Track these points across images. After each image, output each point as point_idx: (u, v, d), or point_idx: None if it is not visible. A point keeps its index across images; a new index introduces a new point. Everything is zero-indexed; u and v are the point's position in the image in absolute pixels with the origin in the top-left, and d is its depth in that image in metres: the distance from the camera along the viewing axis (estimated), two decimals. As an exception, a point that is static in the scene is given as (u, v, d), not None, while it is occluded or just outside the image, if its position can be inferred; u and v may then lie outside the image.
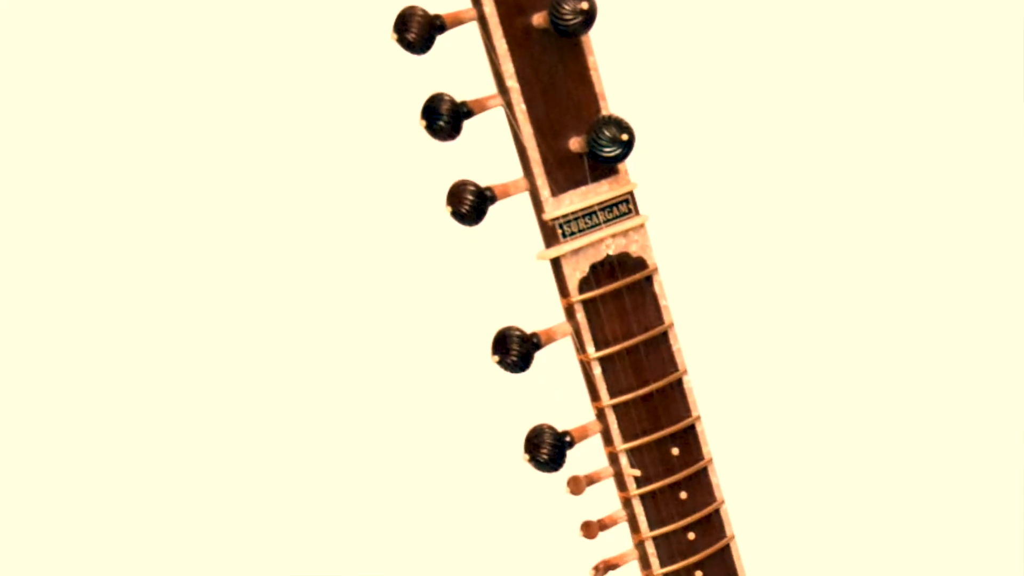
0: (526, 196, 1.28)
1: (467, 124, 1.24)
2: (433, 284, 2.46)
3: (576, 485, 1.32)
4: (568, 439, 1.30)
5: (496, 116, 1.26)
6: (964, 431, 2.66)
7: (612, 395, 1.31)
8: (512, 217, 1.29)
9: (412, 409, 2.59)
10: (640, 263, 1.32)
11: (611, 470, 1.34)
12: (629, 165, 1.30)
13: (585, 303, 1.29)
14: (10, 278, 2.60)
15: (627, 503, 1.34)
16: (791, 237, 2.62)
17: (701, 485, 1.36)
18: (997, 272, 2.67)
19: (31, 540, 2.64)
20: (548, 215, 1.27)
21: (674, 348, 1.34)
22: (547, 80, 1.26)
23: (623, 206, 1.30)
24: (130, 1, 2.49)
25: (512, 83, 1.25)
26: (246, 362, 2.63)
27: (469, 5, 1.24)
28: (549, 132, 1.26)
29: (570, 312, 1.30)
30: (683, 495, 1.35)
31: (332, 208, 2.54)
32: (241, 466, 2.65)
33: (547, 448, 1.29)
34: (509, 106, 1.26)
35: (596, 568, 1.35)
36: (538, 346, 1.28)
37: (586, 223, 1.29)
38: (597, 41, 1.28)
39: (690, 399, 1.35)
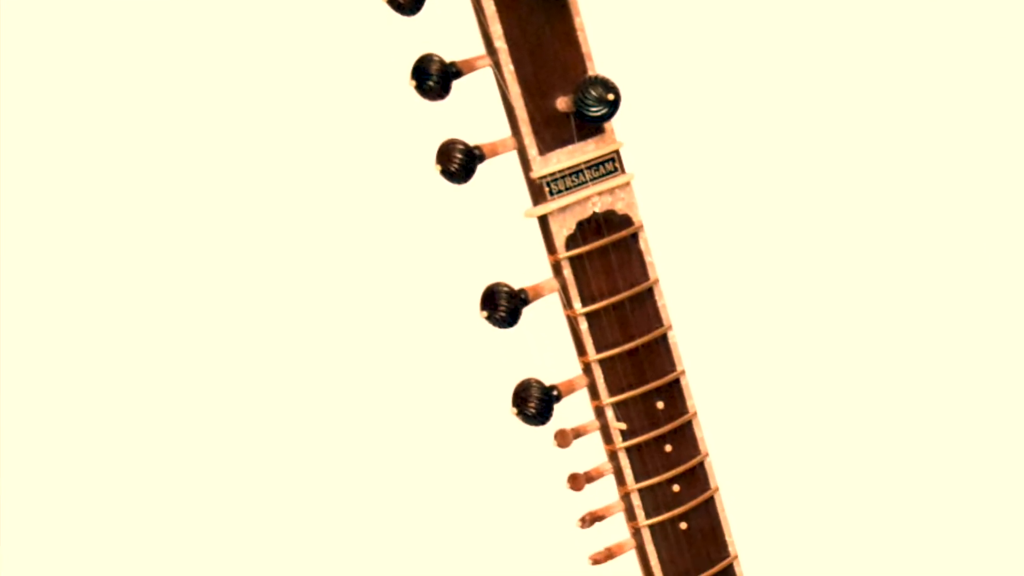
0: (514, 155, 1.30)
1: (456, 84, 1.26)
2: (422, 241, 2.47)
3: (563, 438, 1.34)
4: (555, 393, 1.32)
5: (484, 76, 1.28)
6: (952, 420, 2.68)
7: (598, 350, 1.33)
8: (500, 176, 1.31)
9: (402, 369, 2.60)
10: (626, 220, 1.33)
11: (597, 424, 1.36)
12: (615, 124, 1.32)
13: (572, 260, 1.31)
14: (10, 278, 2.60)
15: (613, 456, 1.37)
16: (776, 198, 2.62)
17: (686, 438, 1.38)
18: (995, 272, 2.68)
19: (31, 540, 2.65)
20: (536, 173, 1.29)
21: (659, 304, 1.36)
22: (534, 41, 1.28)
23: (609, 164, 1.32)
24: (130, 1, 2.49)
25: (500, 44, 1.26)
26: (235, 344, 2.63)
27: (458, -33, 1.26)
28: (536, 92, 1.28)
29: (557, 268, 1.32)
30: (668, 448, 1.37)
31: (320, 162, 2.54)
32: (239, 461, 2.65)
33: (534, 402, 1.30)
34: (497, 66, 1.27)
35: (583, 520, 1.37)
36: (526, 302, 1.30)
37: (573, 181, 1.31)
38: (584, 2, 1.30)
39: (675, 354, 1.37)
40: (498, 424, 2.36)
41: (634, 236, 1.34)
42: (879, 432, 2.67)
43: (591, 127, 1.30)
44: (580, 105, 1.27)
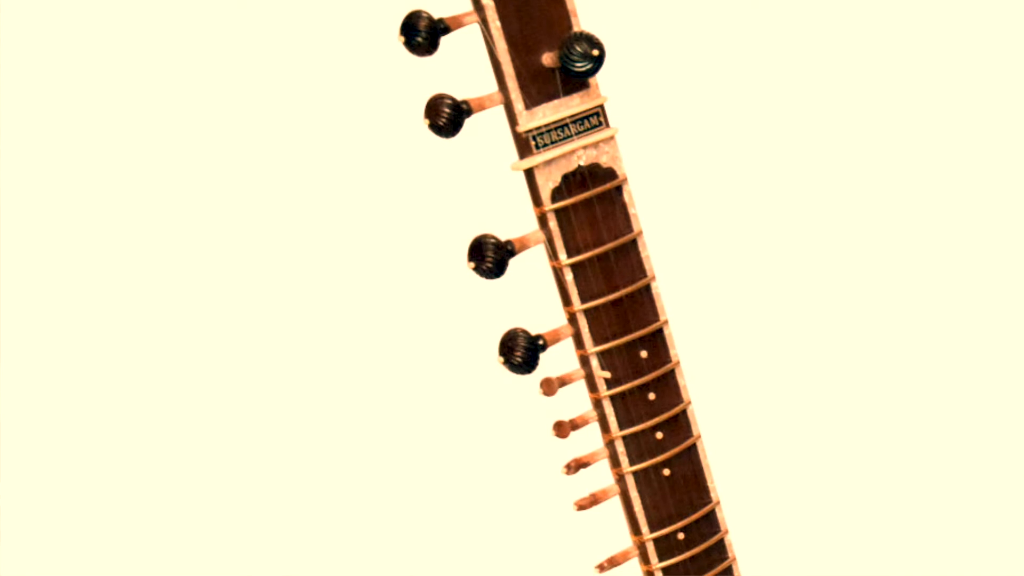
0: (501, 110, 1.32)
1: (443, 41, 1.28)
2: (410, 193, 2.48)
3: (549, 387, 1.36)
4: (541, 342, 1.34)
5: (472, 33, 1.30)
6: (940, 410, 2.69)
7: (583, 300, 1.36)
8: (487, 130, 1.33)
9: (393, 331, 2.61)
10: (610, 173, 1.36)
11: (582, 372, 1.38)
12: (600, 80, 1.34)
13: (557, 212, 1.34)
14: (10, 278, 2.60)
15: (598, 404, 1.39)
16: (760, 158, 2.63)
17: (669, 386, 1.41)
18: (991, 271, 2.69)
19: (31, 540, 2.65)
20: (522, 127, 1.32)
21: (643, 255, 1.38)
22: (521, -3, 1.30)
23: (594, 119, 1.34)
24: (130, 1, 2.49)
25: (487, 0, 1.28)
26: (230, 338, 2.64)
27: (446, -74, 1.28)
28: (523, 48, 1.30)
29: (543, 221, 1.34)
30: (651, 396, 1.40)
31: (308, 117, 2.54)
32: (239, 461, 2.66)
33: (521, 351, 1.33)
34: (484, 23, 1.29)
35: (568, 466, 1.39)
36: (512, 253, 1.32)
37: (558, 135, 1.33)
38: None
39: (658, 304, 1.39)
40: (491, 404, 2.41)
41: (618, 189, 1.37)
42: (871, 419, 2.68)
43: (576, 82, 1.33)
44: (565, 61, 1.29)
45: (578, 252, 1.35)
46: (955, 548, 2.62)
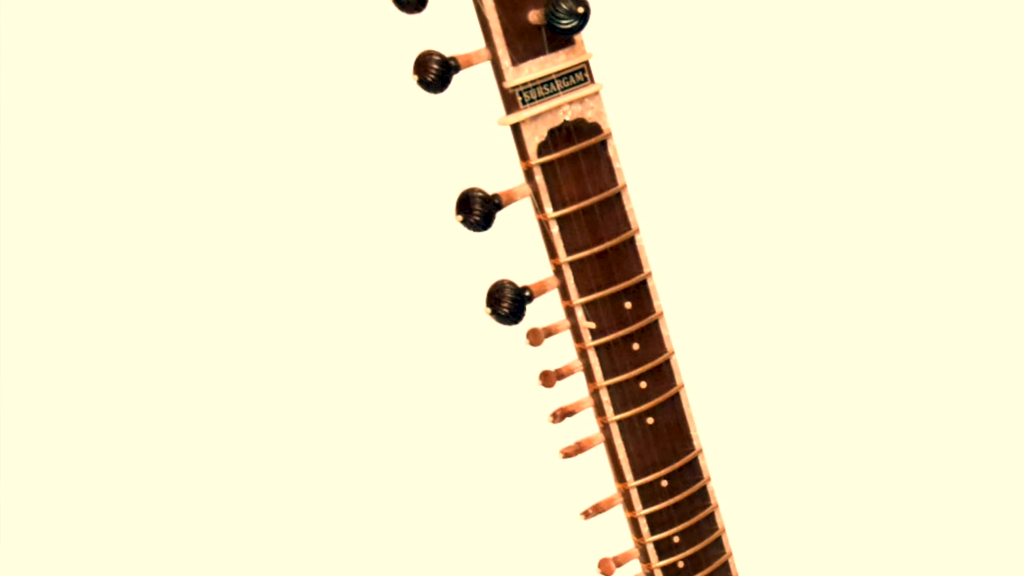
0: (488, 66, 1.34)
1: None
2: (399, 148, 2.49)
3: (535, 337, 1.39)
4: (527, 294, 1.37)
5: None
6: (931, 403, 2.72)
7: (569, 252, 1.38)
8: (474, 86, 1.35)
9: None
10: (595, 128, 1.38)
11: (568, 323, 1.41)
12: (585, 36, 1.36)
13: (543, 166, 1.36)
14: (10, 278, 2.61)
15: (583, 354, 1.42)
16: (743, 112, 2.64)
17: (652, 337, 1.43)
18: (992, 271, 2.71)
19: (31, 540, 2.67)
20: (509, 83, 1.34)
21: (627, 208, 1.40)
22: (507, -45, 1.32)
23: (579, 75, 1.36)
24: (130, 1, 2.49)
25: (474, -42, 1.31)
26: (226, 334, 2.66)
27: None
28: (509, 5, 1.32)
29: (529, 174, 1.37)
30: (635, 346, 1.42)
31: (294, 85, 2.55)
32: (238, 460, 2.68)
33: (508, 302, 1.35)
34: (472, -20, 1.32)
35: (554, 415, 1.42)
36: (499, 206, 1.34)
37: (544, 91, 1.35)
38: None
39: (642, 256, 1.41)
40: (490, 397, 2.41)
41: (603, 143, 1.39)
42: (866, 414, 2.71)
43: (562, 39, 1.35)
44: (551, 18, 1.31)
45: (564, 205, 1.37)
46: (940, 529, 2.66)
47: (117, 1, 2.50)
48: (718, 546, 1.51)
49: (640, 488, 1.45)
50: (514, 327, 1.37)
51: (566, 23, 1.31)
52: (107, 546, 2.68)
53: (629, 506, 1.46)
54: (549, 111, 1.36)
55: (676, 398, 1.46)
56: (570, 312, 1.40)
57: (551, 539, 2.49)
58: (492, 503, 2.63)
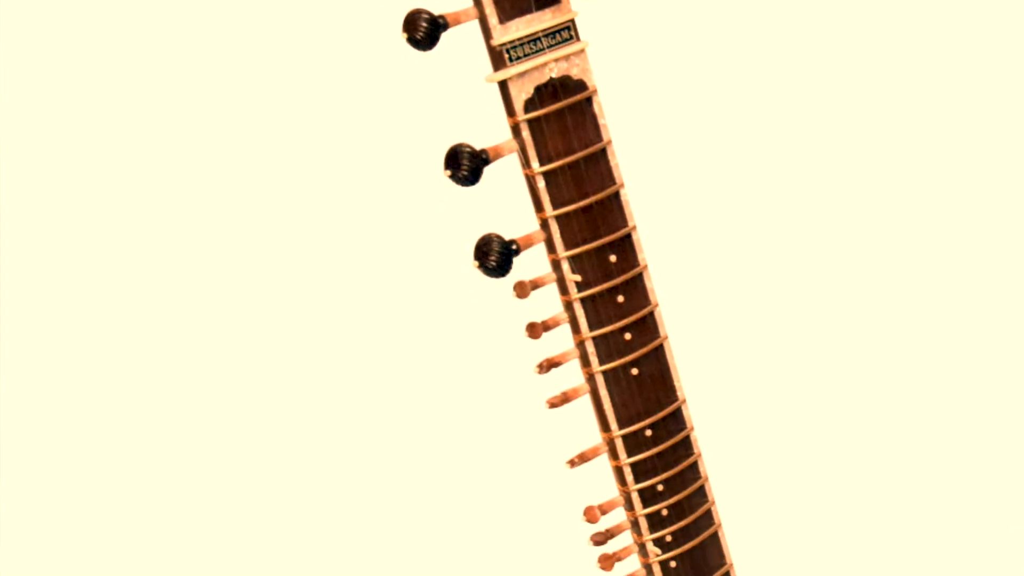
0: (476, 24, 1.37)
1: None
2: (388, 103, 2.50)
3: (522, 289, 1.41)
4: (514, 247, 1.39)
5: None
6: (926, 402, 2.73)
7: (555, 207, 1.41)
8: (462, 44, 1.37)
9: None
10: (581, 85, 1.41)
11: (554, 276, 1.43)
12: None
13: (530, 122, 1.39)
14: (10, 278, 2.61)
15: (568, 306, 1.44)
16: (727, 73, 2.66)
17: (637, 289, 1.46)
18: (991, 271, 2.71)
19: (31, 540, 2.68)
20: (496, 41, 1.36)
21: (612, 163, 1.43)
22: (494, -85, 1.34)
23: (565, 32, 1.39)
24: (130, 1, 2.50)
25: (462, -82, 1.33)
26: (225, 333, 2.66)
27: None
28: (496, -36, 1.35)
29: (516, 130, 1.39)
30: (620, 299, 1.45)
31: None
32: (239, 460, 2.69)
33: (495, 255, 1.38)
34: (459, -61, 1.34)
35: (540, 366, 1.44)
36: (487, 161, 1.37)
37: (531, 48, 1.38)
38: None
39: (627, 210, 1.44)
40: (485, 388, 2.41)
41: (588, 100, 1.41)
42: (864, 414, 2.72)
43: (548, -3, 1.37)
44: (537, -24, 1.34)
45: (550, 160, 1.40)
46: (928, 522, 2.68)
47: (117, 1, 2.51)
48: (701, 494, 1.54)
49: (625, 437, 1.48)
50: (501, 280, 1.40)
51: (552, -18, 1.33)
52: (107, 546, 2.69)
53: (614, 455, 1.49)
54: (535, 68, 1.38)
55: (660, 349, 1.48)
56: (556, 265, 1.43)
57: (537, 489, 2.51)
58: (479, 459, 2.65)
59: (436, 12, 1.33)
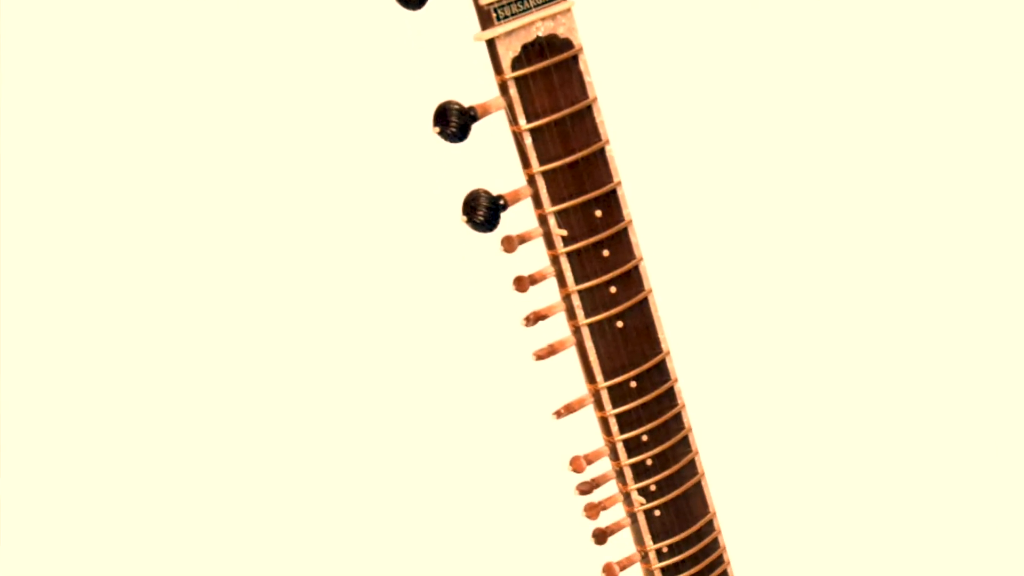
0: (464, -17, 1.39)
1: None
2: (378, 61, 2.51)
3: (509, 244, 1.44)
4: (502, 202, 1.42)
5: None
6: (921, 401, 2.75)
7: (541, 163, 1.43)
8: (450, 3, 1.40)
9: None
10: (567, 44, 1.43)
11: (540, 231, 1.46)
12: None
13: (517, 80, 1.41)
14: (10, 278, 2.62)
15: (555, 260, 1.47)
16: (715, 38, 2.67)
17: (622, 244, 1.48)
18: (988, 272, 2.72)
19: (31, 541, 2.69)
20: (484, 0, 1.39)
21: (597, 120, 1.45)
22: None
23: (551, -9, 1.42)
24: (130, 1, 2.50)
25: None
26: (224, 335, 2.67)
27: None
28: (484, -77, 1.37)
29: (504, 88, 1.42)
30: (606, 253, 1.47)
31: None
32: (239, 461, 2.70)
33: (483, 210, 1.40)
34: (447, -100, 1.36)
35: (527, 319, 1.47)
36: (475, 118, 1.39)
37: (518, 7, 1.40)
38: None
39: (612, 166, 1.46)
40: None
41: (574, 58, 1.43)
42: (861, 412, 2.75)
43: (535, -44, 1.40)
44: (524, -64, 1.36)
45: (536, 117, 1.42)
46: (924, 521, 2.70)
47: (117, 1, 2.52)
48: (684, 444, 1.57)
49: (610, 389, 1.51)
50: (489, 234, 1.42)
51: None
52: (107, 546, 2.71)
53: (599, 406, 1.52)
54: (522, 27, 1.40)
55: (644, 302, 1.51)
56: (543, 220, 1.45)
57: (523, 441, 2.53)
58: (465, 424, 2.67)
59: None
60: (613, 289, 1.49)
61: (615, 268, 1.48)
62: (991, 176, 2.72)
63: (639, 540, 1.57)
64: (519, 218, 1.45)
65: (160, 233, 2.65)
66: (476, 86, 1.45)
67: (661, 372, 1.53)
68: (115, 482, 2.71)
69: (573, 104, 1.44)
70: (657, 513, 1.55)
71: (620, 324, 1.50)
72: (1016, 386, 2.74)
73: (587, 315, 1.48)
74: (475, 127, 1.40)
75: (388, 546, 2.69)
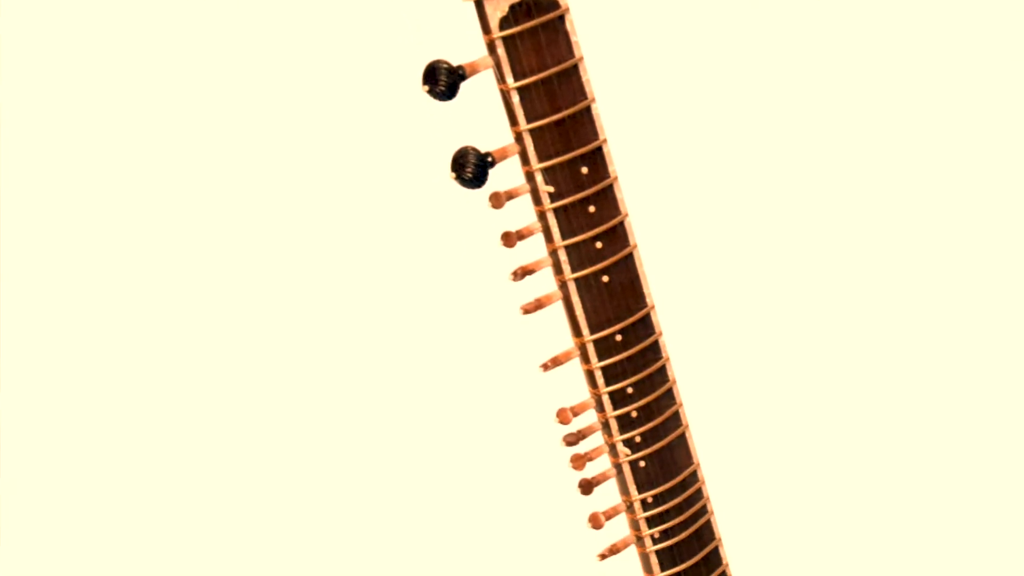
0: (452, -56, 1.42)
1: None
2: (368, 23, 2.53)
3: (497, 200, 1.46)
4: (490, 159, 1.44)
5: None
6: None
7: (529, 120, 1.45)
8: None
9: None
10: (553, 4, 1.45)
11: (528, 187, 1.48)
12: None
13: (505, 39, 1.43)
14: (10, 278, 2.63)
15: (542, 216, 1.49)
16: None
17: (608, 200, 1.51)
18: (987, 272, 2.73)
19: (31, 541, 2.70)
20: (471, -39, 1.41)
21: (584, 79, 1.48)
22: None
23: (539, -48, 1.44)
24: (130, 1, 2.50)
25: None
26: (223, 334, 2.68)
27: None
28: None
29: (491, 48, 1.44)
30: (592, 209, 1.50)
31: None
32: (239, 461, 2.72)
33: (471, 167, 1.43)
34: None
35: (515, 273, 1.49)
36: (463, 77, 1.42)
37: (505, -32, 1.43)
38: None
39: (598, 124, 1.49)
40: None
41: (560, 18, 1.46)
42: (858, 411, 2.77)
43: (522, -83, 1.42)
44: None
45: (524, 76, 1.45)
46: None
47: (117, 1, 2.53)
48: (669, 397, 1.60)
49: (596, 342, 1.53)
50: (477, 191, 1.44)
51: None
52: (107, 546, 2.72)
53: (585, 359, 1.55)
54: (510, -12, 1.42)
55: (630, 257, 1.54)
56: (530, 177, 1.48)
57: (510, 394, 2.56)
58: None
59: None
60: (599, 244, 1.51)
61: (601, 224, 1.51)
62: (991, 176, 2.73)
63: (624, 490, 1.60)
64: (507, 175, 1.47)
65: (159, 232, 2.66)
66: (465, 46, 1.47)
67: (646, 326, 1.56)
68: (115, 482, 2.73)
69: (559, 63, 1.46)
70: (642, 464, 1.58)
71: (606, 279, 1.52)
72: (1015, 386, 2.76)
73: (573, 270, 1.51)
74: (463, 86, 1.42)
75: (377, 498, 2.72)
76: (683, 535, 1.63)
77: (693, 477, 1.63)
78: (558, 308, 1.54)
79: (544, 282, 1.53)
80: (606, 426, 1.57)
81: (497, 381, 2.63)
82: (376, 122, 2.61)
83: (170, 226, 2.66)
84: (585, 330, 1.53)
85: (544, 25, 1.45)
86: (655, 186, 2.55)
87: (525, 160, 1.48)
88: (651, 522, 1.61)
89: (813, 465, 2.71)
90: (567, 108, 1.47)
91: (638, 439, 1.58)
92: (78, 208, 2.63)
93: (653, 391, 1.58)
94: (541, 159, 1.47)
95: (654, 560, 1.62)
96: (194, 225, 2.65)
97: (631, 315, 1.55)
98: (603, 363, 1.55)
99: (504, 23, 1.43)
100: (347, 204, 2.68)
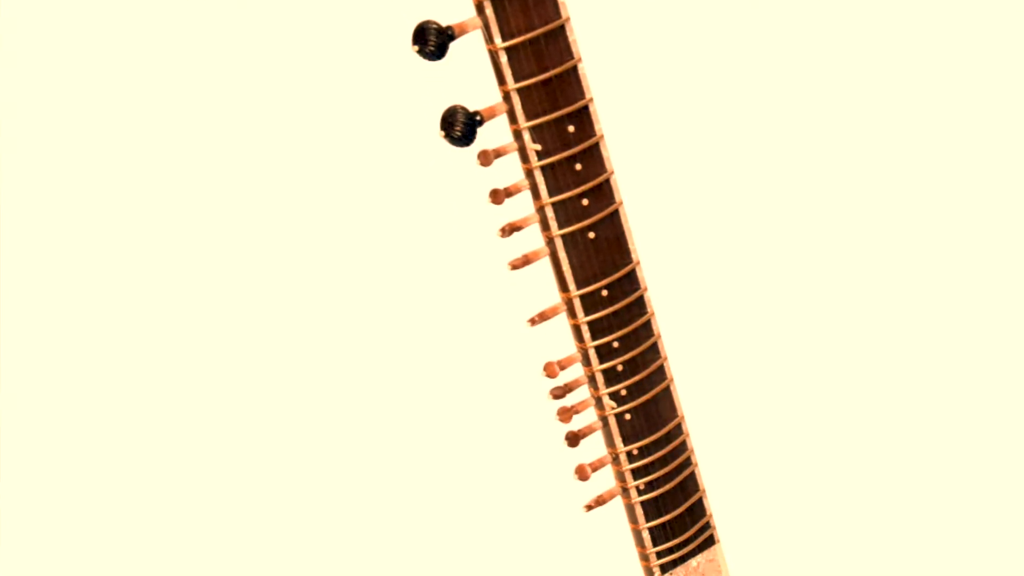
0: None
1: None
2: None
3: (485, 158, 1.48)
4: (478, 118, 1.46)
5: None
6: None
7: (516, 80, 1.48)
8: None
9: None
10: (541, -34, 1.48)
11: (515, 145, 1.51)
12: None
13: (493, 0, 1.45)
14: (10, 278, 2.63)
15: (529, 174, 1.52)
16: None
17: (594, 158, 1.53)
18: (980, 270, 2.74)
19: (30, 541, 2.70)
20: (460, -78, 1.44)
21: (570, 39, 1.50)
22: None
23: (527, -84, 1.46)
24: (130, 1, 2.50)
25: None
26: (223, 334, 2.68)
27: None
28: None
29: (480, 8, 1.46)
30: (578, 167, 1.52)
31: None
32: (239, 462, 2.72)
33: (460, 125, 1.45)
34: None
35: (503, 230, 1.52)
36: (452, 37, 1.43)
37: (494, -71, 1.45)
38: None
39: (584, 83, 1.51)
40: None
41: (548, -21, 1.48)
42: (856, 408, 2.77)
43: None
44: None
45: (511, 36, 1.46)
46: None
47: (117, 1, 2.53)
48: (654, 351, 1.62)
49: (582, 297, 1.56)
50: (465, 149, 1.46)
51: None
52: (107, 546, 2.73)
53: (572, 314, 1.57)
54: (497, -51, 1.44)
55: (615, 214, 1.56)
56: (517, 135, 1.50)
57: (499, 349, 2.58)
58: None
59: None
60: (585, 201, 1.53)
61: (587, 181, 1.53)
62: (991, 176, 2.74)
63: (610, 443, 1.63)
64: (495, 134, 1.49)
65: (158, 231, 2.66)
66: (453, 7, 1.49)
67: (631, 281, 1.59)
68: (115, 482, 2.74)
69: (547, 24, 1.48)
70: (627, 417, 1.61)
71: (592, 235, 1.55)
72: (1015, 386, 2.77)
73: (560, 226, 1.53)
74: (452, 46, 1.44)
75: (375, 481, 2.74)
76: (668, 486, 1.66)
77: (677, 430, 1.66)
78: (545, 264, 1.57)
79: (532, 239, 1.55)
80: (592, 380, 1.60)
81: (485, 338, 2.65)
82: (364, 85, 2.61)
83: (168, 224, 2.66)
84: (572, 285, 1.56)
85: (531, -14, 1.47)
86: (645, 154, 2.57)
87: (513, 119, 1.50)
88: (636, 474, 1.64)
89: (796, 417, 2.74)
90: (554, 68, 1.49)
91: (624, 392, 1.61)
92: (78, 208, 2.64)
93: (638, 345, 1.61)
94: (529, 118, 1.49)
95: (639, 511, 1.66)
96: (193, 224, 2.66)
97: (617, 271, 1.58)
98: (589, 318, 1.57)
99: (492, -16, 1.45)
100: (335, 171, 2.68)
